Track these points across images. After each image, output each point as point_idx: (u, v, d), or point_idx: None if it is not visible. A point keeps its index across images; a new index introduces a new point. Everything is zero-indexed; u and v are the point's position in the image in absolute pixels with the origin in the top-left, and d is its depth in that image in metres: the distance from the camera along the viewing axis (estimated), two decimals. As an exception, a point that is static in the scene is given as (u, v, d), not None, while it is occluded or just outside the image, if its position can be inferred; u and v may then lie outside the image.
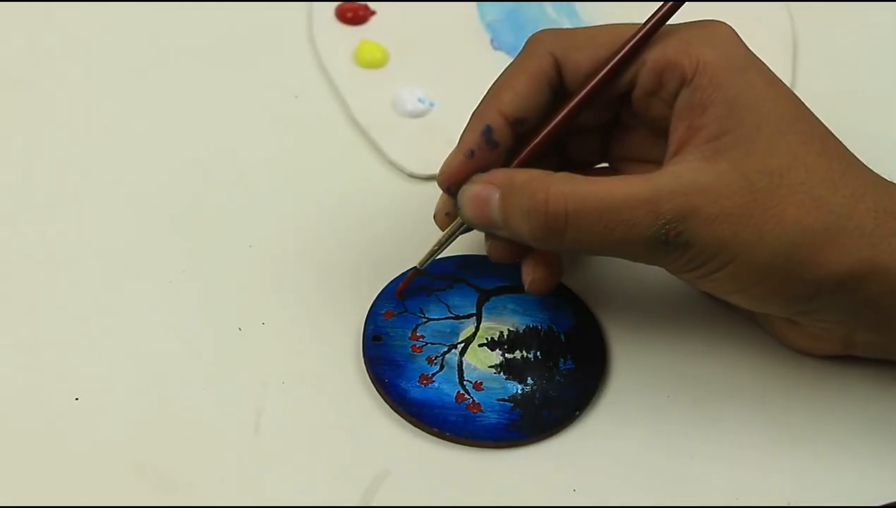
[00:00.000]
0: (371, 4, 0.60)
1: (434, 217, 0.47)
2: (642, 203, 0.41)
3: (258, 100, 0.56)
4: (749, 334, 0.48)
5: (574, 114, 0.45)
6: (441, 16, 0.60)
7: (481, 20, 0.60)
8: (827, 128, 0.43)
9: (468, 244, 0.49)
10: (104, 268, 0.49)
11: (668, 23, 0.44)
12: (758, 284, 0.42)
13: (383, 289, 0.48)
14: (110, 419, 0.44)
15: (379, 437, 0.44)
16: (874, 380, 0.47)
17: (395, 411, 0.45)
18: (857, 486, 0.44)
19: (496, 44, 0.59)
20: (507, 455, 0.44)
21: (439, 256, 0.48)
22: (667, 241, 0.41)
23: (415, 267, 0.47)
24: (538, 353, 0.47)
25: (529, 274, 0.46)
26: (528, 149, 0.45)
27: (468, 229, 0.46)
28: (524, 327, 0.48)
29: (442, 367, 0.46)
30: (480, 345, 0.47)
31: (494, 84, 0.45)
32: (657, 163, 0.44)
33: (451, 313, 0.48)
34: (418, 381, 0.45)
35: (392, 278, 0.48)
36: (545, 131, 0.45)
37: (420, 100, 0.56)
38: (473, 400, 0.45)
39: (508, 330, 0.47)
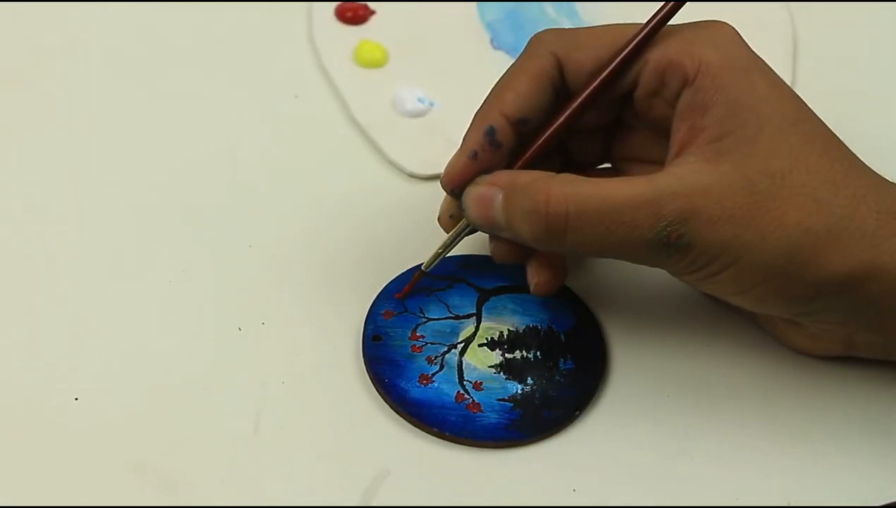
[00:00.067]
0: (371, 4, 0.60)
1: (438, 219, 0.47)
2: (643, 204, 0.41)
3: (258, 100, 0.56)
4: (749, 334, 0.48)
5: (577, 114, 0.45)
6: (441, 15, 0.60)
7: (481, 20, 0.60)
8: (829, 128, 0.43)
9: (468, 244, 0.49)
10: (104, 268, 0.49)
11: (670, 23, 0.44)
12: (759, 286, 0.42)
13: (383, 289, 0.48)
14: (110, 419, 0.44)
15: (379, 437, 0.44)
16: (874, 381, 0.47)
17: (395, 411, 0.45)
18: (857, 486, 0.44)
19: (496, 43, 0.59)
20: (507, 455, 0.44)
21: (440, 256, 0.48)
22: (668, 243, 0.41)
23: (420, 270, 0.47)
24: (538, 353, 0.47)
25: (534, 277, 0.46)
26: (532, 150, 0.45)
27: (473, 231, 0.46)
28: (524, 327, 0.48)
29: (442, 367, 0.46)
30: (480, 345, 0.47)
31: (497, 84, 0.45)
32: (660, 163, 0.44)
33: (450, 313, 0.48)
34: (418, 381, 0.45)
35: (392, 278, 0.48)
36: (548, 132, 0.45)
37: (420, 100, 0.56)
38: (473, 400, 0.45)
39: (508, 330, 0.47)
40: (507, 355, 0.47)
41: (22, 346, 0.46)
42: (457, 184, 0.45)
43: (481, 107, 0.45)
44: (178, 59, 0.58)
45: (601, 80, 0.44)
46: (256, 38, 0.59)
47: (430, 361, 0.46)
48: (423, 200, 0.50)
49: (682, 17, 0.44)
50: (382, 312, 0.47)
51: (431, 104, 0.56)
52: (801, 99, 0.44)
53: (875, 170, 0.44)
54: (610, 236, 0.42)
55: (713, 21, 0.44)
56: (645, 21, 0.44)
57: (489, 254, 0.47)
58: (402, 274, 0.48)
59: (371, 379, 0.46)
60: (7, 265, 0.49)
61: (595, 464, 0.44)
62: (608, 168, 0.49)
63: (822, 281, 0.42)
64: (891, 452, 0.45)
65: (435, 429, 0.44)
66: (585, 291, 0.49)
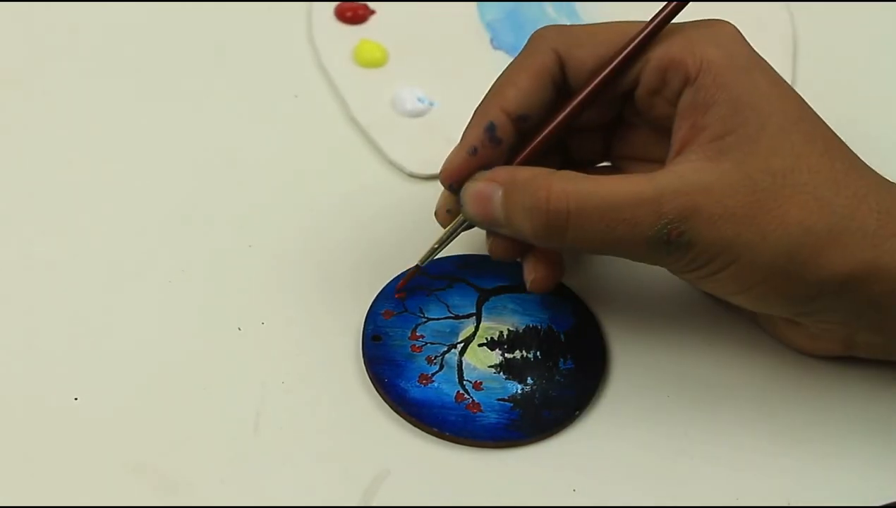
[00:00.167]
0: (370, 4, 0.60)
1: (435, 214, 0.47)
2: (644, 202, 0.41)
3: (258, 100, 0.56)
4: (749, 334, 0.48)
5: (577, 112, 0.45)
6: (441, 15, 0.60)
7: (481, 20, 0.60)
8: (830, 128, 0.43)
9: (468, 244, 0.49)
10: (104, 268, 0.49)
11: (672, 22, 0.44)
12: (760, 285, 0.42)
13: (383, 289, 0.48)
14: (110, 419, 0.44)
15: (379, 437, 0.44)
16: (874, 381, 0.47)
17: (395, 411, 0.45)
18: (857, 486, 0.44)
19: (496, 43, 0.59)
20: (507, 455, 0.44)
21: (439, 255, 0.48)
22: (668, 241, 0.41)
23: (416, 265, 0.47)
24: (538, 353, 0.47)
25: (531, 273, 0.46)
26: (532, 146, 0.45)
27: (470, 226, 0.46)
28: (524, 327, 0.48)
29: (441, 367, 0.46)
30: (480, 345, 0.47)
31: (497, 81, 0.45)
32: (660, 162, 0.44)
33: (450, 313, 0.48)
34: (418, 381, 0.45)
35: (392, 278, 0.48)
36: (548, 129, 0.45)
37: (420, 100, 0.56)
38: (473, 400, 0.45)
39: (508, 329, 0.47)
40: (506, 355, 0.47)
41: (22, 346, 0.46)
42: (455, 179, 0.45)
43: (482, 102, 0.45)
44: (178, 59, 0.58)
45: (602, 78, 0.44)
46: (256, 38, 0.59)
47: (429, 361, 0.46)
48: (423, 200, 0.50)
49: (683, 16, 0.44)
50: (382, 312, 0.47)
51: (431, 104, 0.56)
52: (802, 98, 0.44)
53: (875, 169, 0.44)
54: (610, 233, 0.42)
55: (715, 20, 0.44)
56: (647, 20, 0.44)
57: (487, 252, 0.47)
58: (402, 274, 0.48)
59: (371, 379, 0.46)
60: (7, 265, 0.49)
61: (595, 464, 0.44)
62: (608, 166, 0.49)
63: (822, 280, 0.42)
64: (891, 452, 0.45)
65: (435, 429, 0.44)
66: (585, 291, 0.49)
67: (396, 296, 0.48)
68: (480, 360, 0.46)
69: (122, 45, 0.58)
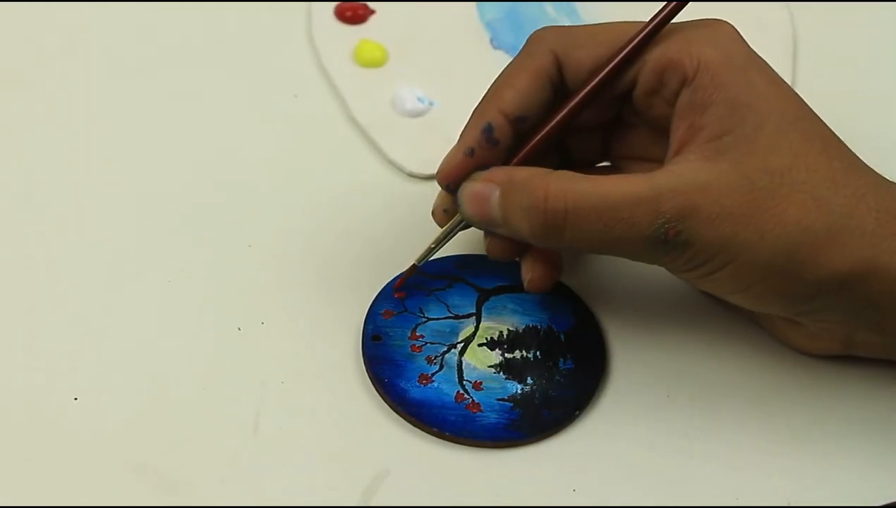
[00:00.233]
0: (370, 4, 0.60)
1: (432, 213, 0.47)
2: (642, 201, 0.41)
3: (257, 100, 0.56)
4: (749, 334, 0.48)
5: (575, 113, 0.45)
6: (440, 15, 0.60)
7: (481, 19, 0.60)
8: (828, 127, 0.43)
9: (467, 243, 0.49)
10: (103, 268, 0.49)
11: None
12: (758, 284, 0.42)
13: (383, 289, 0.48)
14: (110, 419, 0.44)
15: (378, 437, 0.44)
16: (874, 380, 0.47)
17: (395, 411, 0.45)
18: (857, 486, 0.44)
19: (495, 43, 0.59)
20: (507, 455, 0.44)
21: (438, 255, 0.48)
22: (666, 240, 0.41)
23: (413, 264, 0.47)
24: (538, 353, 0.47)
25: (529, 272, 0.46)
26: (529, 146, 0.45)
27: (467, 226, 0.46)
28: (524, 327, 0.48)
29: (441, 367, 0.46)
30: (480, 345, 0.47)
31: (495, 82, 0.45)
32: (659, 161, 0.44)
33: (450, 313, 0.48)
34: (418, 381, 0.45)
35: (391, 278, 0.48)
36: (546, 130, 0.45)
37: (419, 100, 0.56)
38: (473, 400, 0.45)
39: (508, 329, 0.47)
40: (506, 355, 0.47)
41: (22, 346, 0.46)
42: (452, 180, 0.45)
43: (480, 103, 0.45)
44: (177, 59, 0.58)
45: (600, 79, 0.44)
46: (256, 38, 0.59)
47: (429, 361, 0.46)
48: (422, 200, 0.50)
49: (681, 16, 0.44)
50: (382, 312, 0.47)
51: (431, 103, 0.56)
52: (800, 97, 0.44)
53: (875, 169, 0.44)
54: (608, 233, 0.42)
55: (713, 20, 0.44)
56: (645, 20, 0.44)
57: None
58: (402, 273, 0.48)
59: (371, 379, 0.46)
60: (7, 265, 0.49)
61: (595, 464, 0.44)
62: (607, 166, 0.49)
63: (821, 279, 0.41)
64: (891, 452, 0.45)
65: (435, 429, 0.44)
66: (585, 291, 0.49)
67: (396, 296, 0.48)
68: (480, 360, 0.46)
69: (122, 45, 0.58)
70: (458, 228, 0.46)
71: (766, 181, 0.41)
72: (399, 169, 0.54)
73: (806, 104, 0.43)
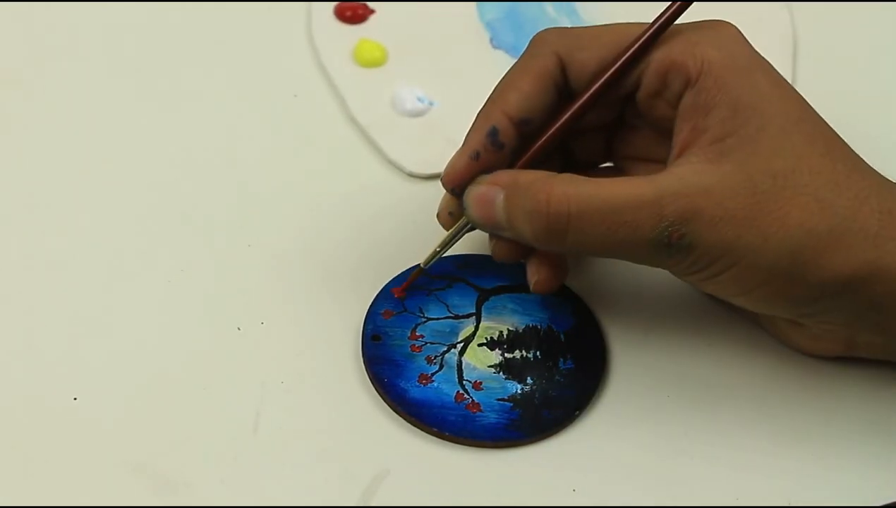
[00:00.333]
0: (370, 3, 0.60)
1: (437, 216, 0.47)
2: (645, 205, 0.41)
3: (257, 100, 0.56)
4: (750, 334, 0.48)
5: (579, 115, 0.45)
6: (440, 15, 0.60)
7: (480, 19, 0.60)
8: (831, 128, 0.43)
9: (467, 243, 0.49)
10: (103, 268, 0.49)
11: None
12: (761, 287, 0.42)
13: (382, 289, 0.48)
14: (109, 419, 0.44)
15: (378, 437, 0.44)
16: (874, 381, 0.47)
17: (395, 411, 0.45)
18: (857, 486, 0.44)
19: (495, 43, 0.59)
20: (507, 455, 0.44)
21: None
22: (669, 244, 0.41)
23: (419, 266, 0.47)
24: (538, 353, 0.47)
25: (534, 275, 0.46)
26: (533, 150, 0.45)
27: (472, 228, 0.46)
28: (524, 327, 0.48)
29: (441, 367, 0.46)
30: (480, 345, 0.47)
31: (499, 84, 0.45)
32: (662, 162, 0.44)
33: (450, 313, 0.48)
34: (417, 381, 0.45)
35: (391, 277, 0.48)
36: (550, 132, 0.45)
37: (419, 99, 0.56)
38: (473, 400, 0.45)
39: (508, 329, 0.47)
40: (506, 355, 0.47)
41: (22, 346, 0.46)
42: (457, 183, 0.45)
43: (484, 106, 0.45)
44: (177, 59, 0.58)
45: (604, 81, 0.44)
46: (256, 38, 0.59)
47: (429, 361, 0.46)
48: (422, 200, 0.50)
49: (684, 16, 0.44)
50: (382, 312, 0.47)
51: (431, 103, 0.56)
52: (803, 98, 0.43)
53: (876, 170, 0.43)
54: (611, 236, 0.42)
55: (716, 21, 0.44)
56: (648, 21, 0.44)
57: (489, 253, 0.47)
58: (402, 273, 0.48)
59: (370, 379, 0.46)
60: (7, 265, 0.49)
61: (595, 464, 0.44)
62: (610, 167, 0.49)
63: (824, 282, 0.41)
64: (891, 452, 0.45)
65: (434, 429, 0.44)
66: (585, 291, 0.49)
67: (396, 296, 0.48)
68: (480, 360, 0.46)
69: (122, 44, 0.58)
70: (463, 231, 0.46)
71: (769, 183, 0.41)
72: (399, 168, 0.54)
73: (809, 106, 0.43)
